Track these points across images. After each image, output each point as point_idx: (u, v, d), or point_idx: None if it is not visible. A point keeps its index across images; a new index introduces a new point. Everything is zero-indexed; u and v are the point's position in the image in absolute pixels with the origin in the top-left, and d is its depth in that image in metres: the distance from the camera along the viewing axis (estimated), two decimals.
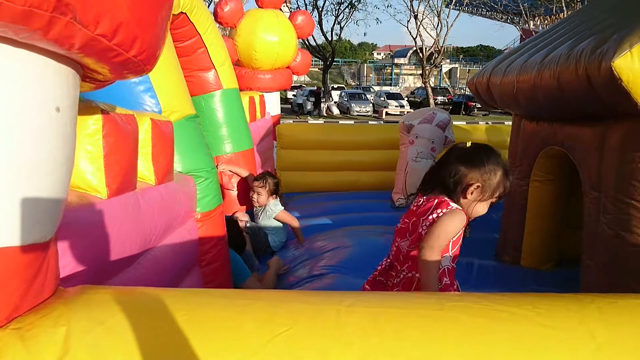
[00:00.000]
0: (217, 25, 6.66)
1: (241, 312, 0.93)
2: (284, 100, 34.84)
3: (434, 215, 1.80)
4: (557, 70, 2.46)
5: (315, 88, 30.23)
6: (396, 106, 28.63)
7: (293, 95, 32.05)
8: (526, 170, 3.41)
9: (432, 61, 28.21)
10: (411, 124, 5.54)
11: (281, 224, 4.16)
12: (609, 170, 2.44)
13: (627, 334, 0.92)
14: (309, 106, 28.11)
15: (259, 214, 4.17)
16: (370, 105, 28.98)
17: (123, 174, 1.65)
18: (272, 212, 4.09)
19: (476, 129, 6.89)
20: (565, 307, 0.97)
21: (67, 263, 1.30)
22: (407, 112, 21.22)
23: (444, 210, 1.80)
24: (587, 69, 2.19)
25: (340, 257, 3.46)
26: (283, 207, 4.23)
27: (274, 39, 6.15)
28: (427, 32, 27.98)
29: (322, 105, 27.51)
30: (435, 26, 27.66)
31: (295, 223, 4.13)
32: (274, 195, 4.20)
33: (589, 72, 2.18)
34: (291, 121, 21.13)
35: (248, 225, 4.10)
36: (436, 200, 1.85)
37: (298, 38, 6.57)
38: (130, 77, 1.22)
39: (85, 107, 1.55)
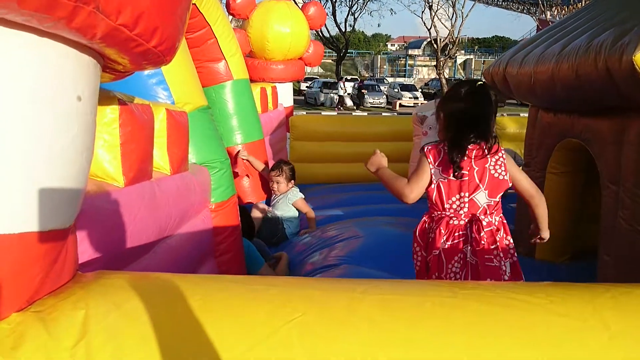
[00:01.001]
0: (230, 16, 6.67)
1: (255, 298, 0.95)
2: (297, 91, 34.82)
3: (501, 162, 1.90)
4: (576, 62, 2.43)
5: (359, 80, 30.20)
6: (410, 98, 28.42)
7: (307, 87, 32.00)
8: (542, 162, 3.38)
9: (446, 52, 27.93)
10: (424, 115, 5.50)
11: (297, 214, 4.19)
12: (627, 164, 2.41)
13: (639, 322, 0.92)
14: (322, 97, 28.09)
15: (279, 201, 4.20)
16: (384, 96, 28.79)
17: (139, 162, 1.68)
18: (293, 198, 4.13)
19: None
20: (579, 296, 0.97)
21: (85, 250, 1.33)
22: (421, 103, 21.09)
23: (501, 155, 1.90)
24: (607, 61, 2.15)
25: (352, 247, 3.47)
26: (303, 196, 4.26)
27: (286, 30, 6.14)
28: (441, 22, 27.69)
29: (365, 97, 27.26)
30: (450, 17, 27.35)
31: (311, 212, 4.17)
32: (292, 181, 4.24)
33: (609, 65, 2.14)
34: (304, 112, 21.12)
35: (269, 215, 4.13)
36: (485, 148, 1.88)
37: (310, 29, 6.55)
38: (149, 68, 1.24)
39: (103, 96, 1.57)
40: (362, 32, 56.08)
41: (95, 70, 1.06)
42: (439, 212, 1.94)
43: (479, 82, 1.96)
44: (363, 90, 27.54)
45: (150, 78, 2.46)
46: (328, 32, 29.14)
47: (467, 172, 1.87)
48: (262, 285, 1.01)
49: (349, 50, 34.85)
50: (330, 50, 31.82)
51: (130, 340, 0.89)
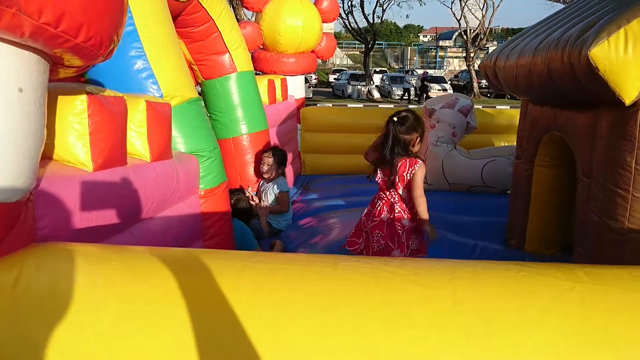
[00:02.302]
0: (244, 9, 6.76)
1: (147, 267, 1.08)
2: (325, 83, 34.89)
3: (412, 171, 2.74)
4: (548, 57, 2.46)
5: (422, 73, 29.98)
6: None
7: (335, 78, 32.05)
8: (531, 155, 3.40)
9: (477, 43, 27.45)
10: (433, 108, 5.54)
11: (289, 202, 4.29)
12: (598, 158, 2.44)
13: (486, 292, 1.00)
14: (349, 89, 28.13)
15: (267, 189, 4.30)
16: (412, 89, 28.55)
17: (108, 149, 1.83)
18: (278, 188, 4.25)
19: (502, 113, 6.79)
20: (442, 269, 1.07)
21: (47, 225, 1.49)
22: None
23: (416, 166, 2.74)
24: (570, 56, 2.19)
25: (346, 233, 3.59)
26: (289, 190, 4.34)
27: (298, 23, 6.25)
28: (472, 13, 27.21)
29: (428, 91, 26.94)
30: (481, 7, 26.85)
31: (284, 208, 4.25)
32: (282, 167, 4.35)
33: (572, 60, 2.17)
34: (330, 104, 21.19)
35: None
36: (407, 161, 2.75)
37: (323, 22, 6.64)
38: (96, 61, 1.38)
39: (73, 89, 1.74)
40: (394, 23, 55.59)
41: (39, 64, 1.21)
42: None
43: (402, 114, 2.77)
44: (426, 83, 27.26)
45: (139, 73, 2.63)
46: (356, 23, 29.05)
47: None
48: (165, 255, 1.14)
49: (379, 42, 34.62)
50: (359, 42, 31.69)
51: (54, 297, 1.04)
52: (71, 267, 1.08)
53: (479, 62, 35.60)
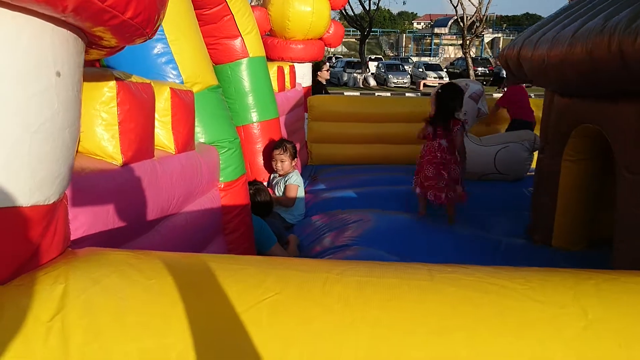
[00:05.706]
0: None
1: (229, 277, 0.94)
2: None
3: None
4: (590, 45, 2.31)
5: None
6: (435, 77, 27.86)
7: (330, 66, 31.78)
8: (558, 149, 3.26)
9: (473, 31, 27.22)
10: None
11: (301, 195, 4.14)
12: None
13: (621, 311, 0.87)
14: (345, 77, 27.90)
15: (279, 182, 4.15)
16: (408, 76, 28.33)
17: (138, 141, 1.68)
18: (289, 180, 4.09)
19: None
20: (560, 282, 0.93)
21: (80, 226, 1.34)
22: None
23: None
24: (621, 44, 2.04)
25: (362, 229, 3.46)
26: (300, 184, 4.18)
27: (307, 9, 6.04)
28: (469, 0, 26.95)
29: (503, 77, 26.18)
30: None
31: (291, 202, 4.08)
32: (295, 160, 4.20)
33: (623, 47, 2.03)
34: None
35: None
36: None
37: (332, 9, 6.44)
38: (132, 42, 1.22)
39: (100, 75, 1.57)
40: (388, 10, 55.15)
41: (76, 45, 1.05)
42: None
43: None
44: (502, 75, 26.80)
45: (159, 57, 2.45)
46: (352, 10, 28.68)
47: None
48: (239, 264, 1.00)
49: (373, 29, 34.25)
50: (354, 29, 31.34)
51: (104, 314, 0.89)
52: (126, 282, 0.93)
53: (475, 49, 35.42)
